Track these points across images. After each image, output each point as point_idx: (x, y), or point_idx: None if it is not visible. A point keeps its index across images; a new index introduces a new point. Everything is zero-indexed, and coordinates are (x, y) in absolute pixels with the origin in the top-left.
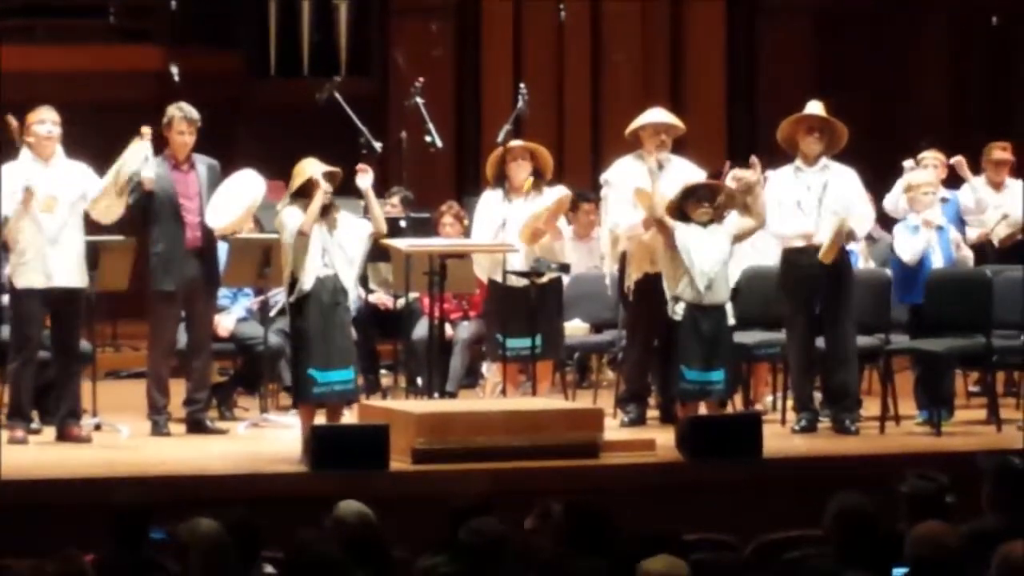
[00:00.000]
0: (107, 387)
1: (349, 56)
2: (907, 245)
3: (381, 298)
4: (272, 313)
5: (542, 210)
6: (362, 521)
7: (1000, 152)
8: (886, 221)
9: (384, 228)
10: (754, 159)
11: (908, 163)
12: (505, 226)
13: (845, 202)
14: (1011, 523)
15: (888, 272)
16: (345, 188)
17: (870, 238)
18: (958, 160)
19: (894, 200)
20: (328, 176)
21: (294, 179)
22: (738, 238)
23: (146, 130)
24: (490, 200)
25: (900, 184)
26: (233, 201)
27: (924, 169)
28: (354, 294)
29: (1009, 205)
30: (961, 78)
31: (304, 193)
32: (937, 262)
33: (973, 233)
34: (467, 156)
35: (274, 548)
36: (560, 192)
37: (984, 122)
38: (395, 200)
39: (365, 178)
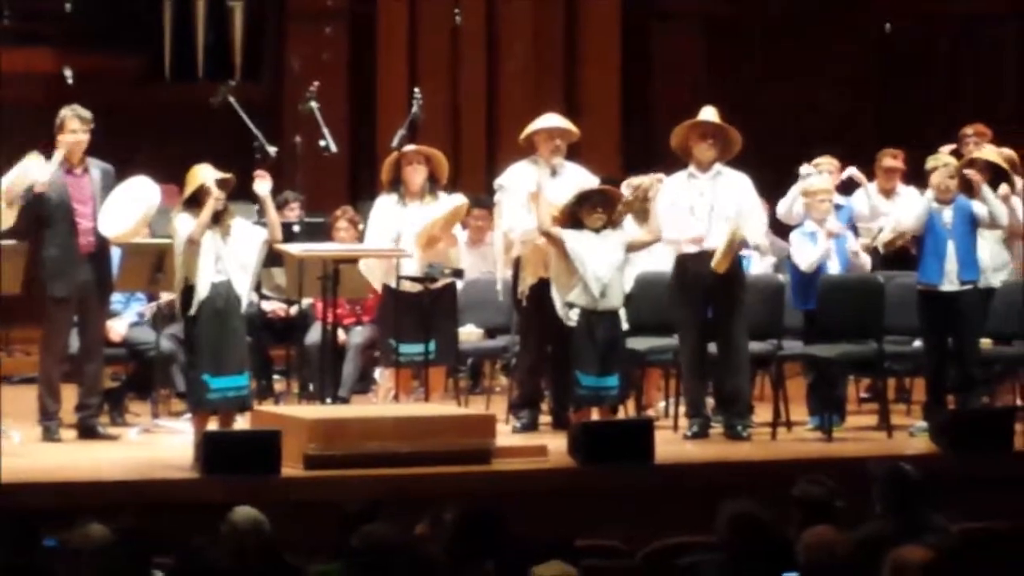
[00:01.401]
0: None
1: (244, 60)
2: (805, 253)
3: (274, 306)
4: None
5: (439, 217)
6: (255, 527)
7: (891, 159)
8: (779, 228)
9: (279, 235)
10: (660, 175)
11: (804, 168)
12: (400, 231)
13: (738, 208)
14: (901, 528)
15: (781, 278)
16: (240, 192)
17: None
18: (852, 171)
19: (787, 206)
20: (221, 182)
21: (187, 186)
22: (632, 248)
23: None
24: (385, 205)
25: (793, 190)
26: (128, 209)
27: (819, 175)
28: (248, 300)
29: (900, 212)
30: (855, 85)
31: (197, 200)
32: (834, 269)
33: (863, 240)
34: (362, 161)
35: (166, 555)
36: (457, 200)
37: (878, 129)
38: (294, 204)
39: (263, 184)
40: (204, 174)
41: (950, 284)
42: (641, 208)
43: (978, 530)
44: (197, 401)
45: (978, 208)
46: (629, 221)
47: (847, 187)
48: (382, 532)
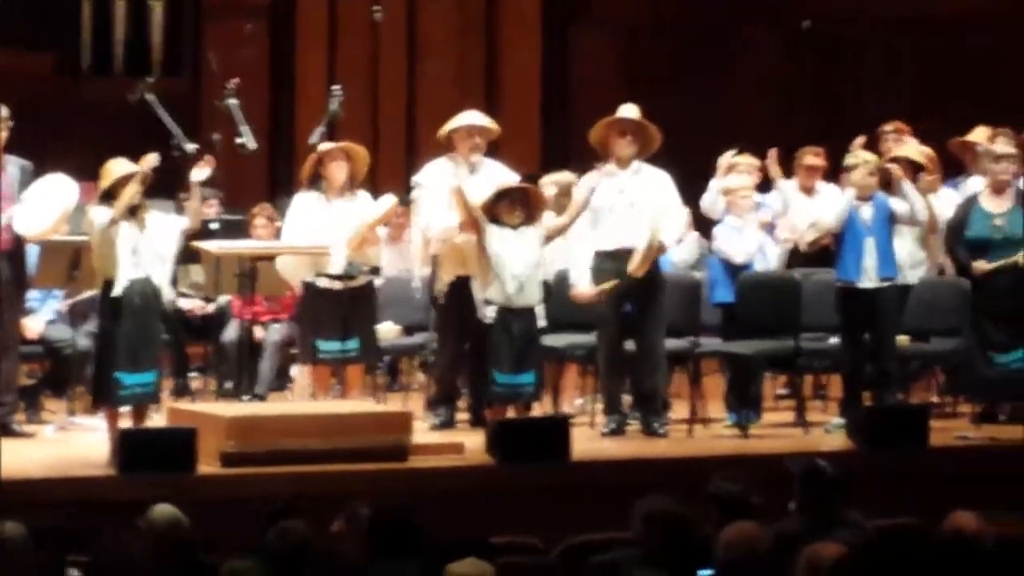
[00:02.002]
0: None
1: (162, 56)
2: (739, 247)
3: (192, 304)
4: None
5: (373, 220)
6: (172, 525)
7: (812, 158)
8: (702, 223)
9: (197, 223)
10: (600, 165)
11: (724, 158)
12: (320, 228)
13: (657, 206)
14: (816, 525)
15: (697, 276)
16: (156, 189)
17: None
18: (770, 157)
19: (710, 201)
20: (137, 176)
21: (102, 180)
22: (550, 234)
23: None
24: (304, 202)
25: (715, 185)
26: (45, 207)
27: (739, 174)
28: (167, 295)
29: (820, 210)
30: (777, 83)
31: (112, 195)
32: (763, 263)
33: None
34: (281, 158)
35: (81, 552)
36: (389, 201)
37: (800, 128)
38: (212, 201)
39: (201, 172)
40: (120, 168)
41: (868, 281)
42: (560, 205)
43: (893, 526)
44: (106, 398)
45: (897, 205)
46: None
47: (764, 186)
48: (298, 529)
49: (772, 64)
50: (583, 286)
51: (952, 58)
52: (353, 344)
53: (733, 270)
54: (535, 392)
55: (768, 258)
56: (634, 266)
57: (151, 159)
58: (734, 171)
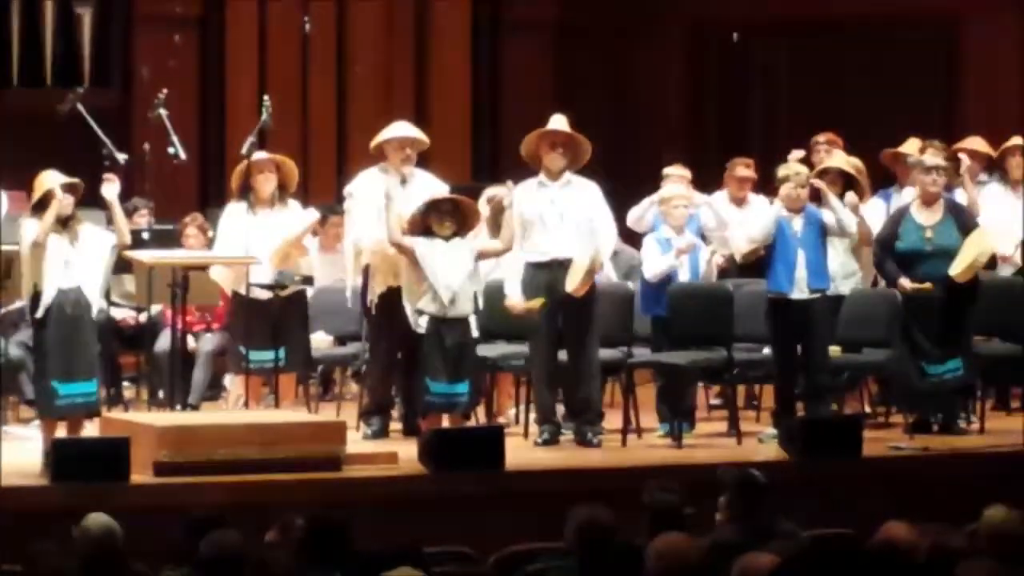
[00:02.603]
0: None
1: (92, 67)
2: (652, 263)
3: (124, 314)
4: None
5: (293, 237)
6: (104, 534)
7: (743, 168)
8: (630, 235)
9: (128, 239)
10: (509, 183)
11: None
12: (250, 238)
13: (589, 219)
14: (749, 535)
15: (631, 286)
16: (89, 199)
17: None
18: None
19: (639, 214)
20: (68, 188)
21: (34, 192)
22: (483, 256)
23: None
24: (234, 212)
25: (647, 199)
26: None
27: (673, 184)
28: (98, 305)
29: (751, 221)
30: (701, 94)
31: (44, 206)
32: (682, 276)
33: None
34: (211, 168)
35: (12, 562)
36: (310, 217)
37: (723, 138)
38: (143, 211)
39: (111, 188)
40: (51, 180)
41: (799, 292)
42: (495, 219)
43: (826, 536)
44: (45, 408)
45: (827, 217)
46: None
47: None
48: (230, 539)
49: (693, 73)
50: (516, 297)
51: (855, 71)
52: (283, 354)
53: (660, 282)
54: (470, 402)
55: (687, 275)
56: (573, 286)
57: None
58: (667, 181)
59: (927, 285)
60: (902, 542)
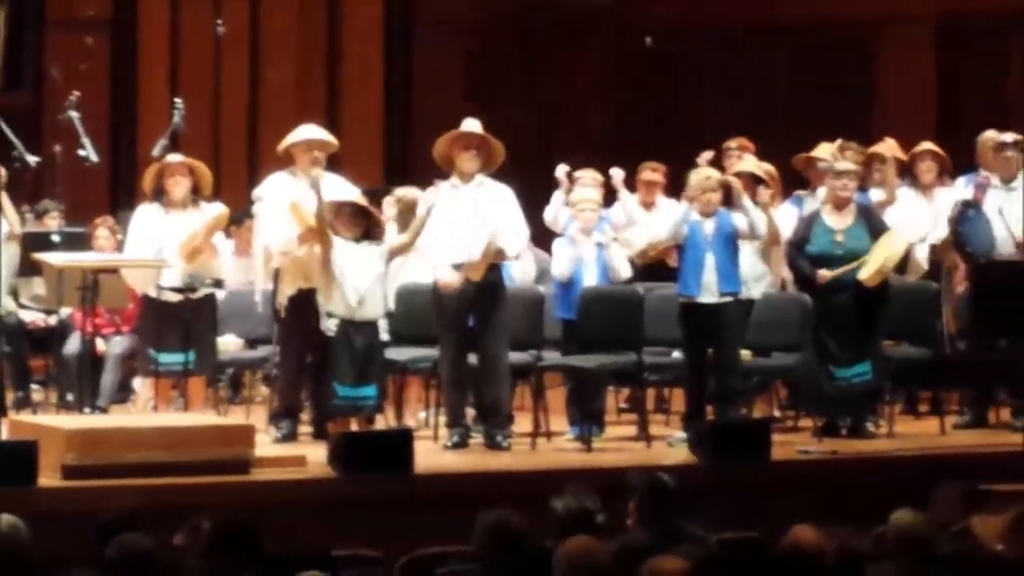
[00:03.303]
0: None
1: (3, 69)
2: (557, 263)
3: (33, 316)
4: None
5: (199, 229)
6: (13, 537)
7: (651, 173)
8: (545, 236)
9: (18, 227)
10: (438, 182)
11: (560, 169)
12: (162, 241)
13: (500, 219)
14: (658, 538)
15: (541, 289)
16: None
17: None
18: (616, 173)
19: (553, 213)
20: None
21: None
22: (392, 253)
23: None
24: (145, 214)
25: (557, 197)
26: None
27: (584, 187)
28: (7, 304)
29: (658, 224)
30: (617, 97)
31: None
32: (591, 280)
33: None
34: (123, 170)
35: None
36: (216, 209)
37: (640, 142)
38: (54, 214)
39: None
40: None
41: (709, 296)
42: (404, 222)
43: (735, 540)
44: None
45: (738, 220)
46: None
47: (607, 198)
48: (139, 542)
49: (608, 77)
50: (447, 276)
51: (771, 76)
52: (193, 357)
53: (568, 285)
54: (376, 405)
55: (595, 276)
56: (472, 270)
57: None
58: (578, 184)
59: (851, 265)
60: (809, 545)
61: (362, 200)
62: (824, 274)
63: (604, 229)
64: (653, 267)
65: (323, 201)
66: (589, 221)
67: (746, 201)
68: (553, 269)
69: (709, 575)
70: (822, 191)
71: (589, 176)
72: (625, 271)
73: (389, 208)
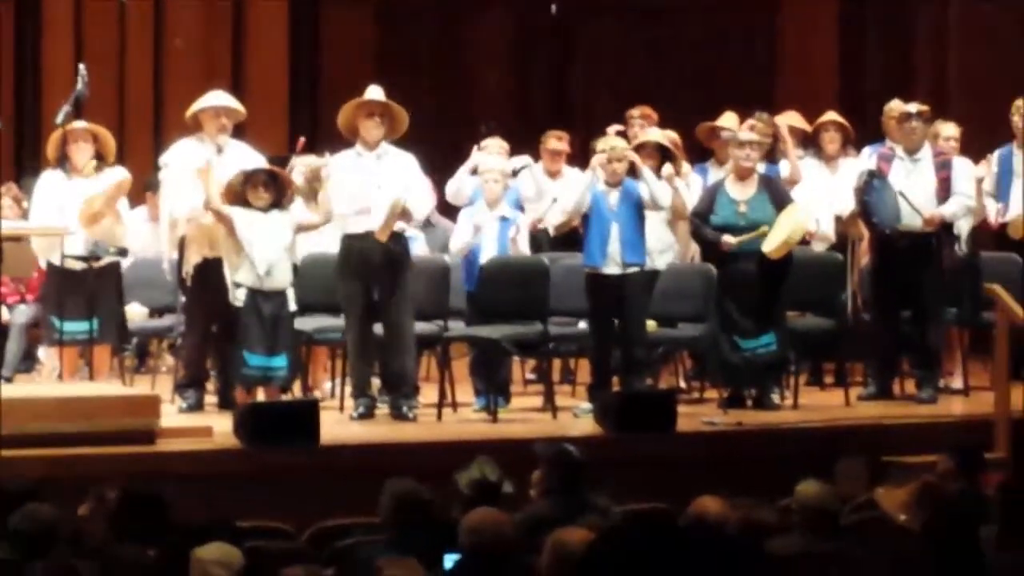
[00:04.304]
0: None
1: None
2: (455, 238)
3: None
4: None
5: (99, 194)
6: None
7: (556, 141)
8: (448, 208)
9: None
10: (327, 154)
11: (485, 142)
12: (65, 208)
13: (404, 187)
14: (564, 509)
15: (446, 259)
16: None
17: (429, 224)
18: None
19: (455, 187)
20: None
21: None
22: (301, 229)
23: None
24: (49, 181)
25: (462, 170)
26: None
27: (490, 155)
28: None
29: (563, 193)
30: (522, 67)
31: None
32: (489, 252)
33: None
34: (26, 137)
35: None
36: (118, 175)
37: (545, 111)
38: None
39: None
40: None
41: (614, 267)
42: (311, 189)
43: (640, 510)
44: None
45: (642, 190)
46: (299, 202)
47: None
48: (42, 512)
49: (513, 46)
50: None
51: (675, 46)
52: (97, 325)
53: (471, 256)
54: (288, 375)
55: (493, 250)
56: (379, 230)
57: None
58: (484, 152)
59: (756, 232)
60: (714, 516)
61: (274, 167)
62: (728, 240)
63: (514, 201)
64: (565, 235)
65: (210, 187)
66: (495, 193)
67: (646, 172)
68: (451, 242)
69: (612, 546)
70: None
71: (495, 144)
72: (525, 250)
73: (297, 175)
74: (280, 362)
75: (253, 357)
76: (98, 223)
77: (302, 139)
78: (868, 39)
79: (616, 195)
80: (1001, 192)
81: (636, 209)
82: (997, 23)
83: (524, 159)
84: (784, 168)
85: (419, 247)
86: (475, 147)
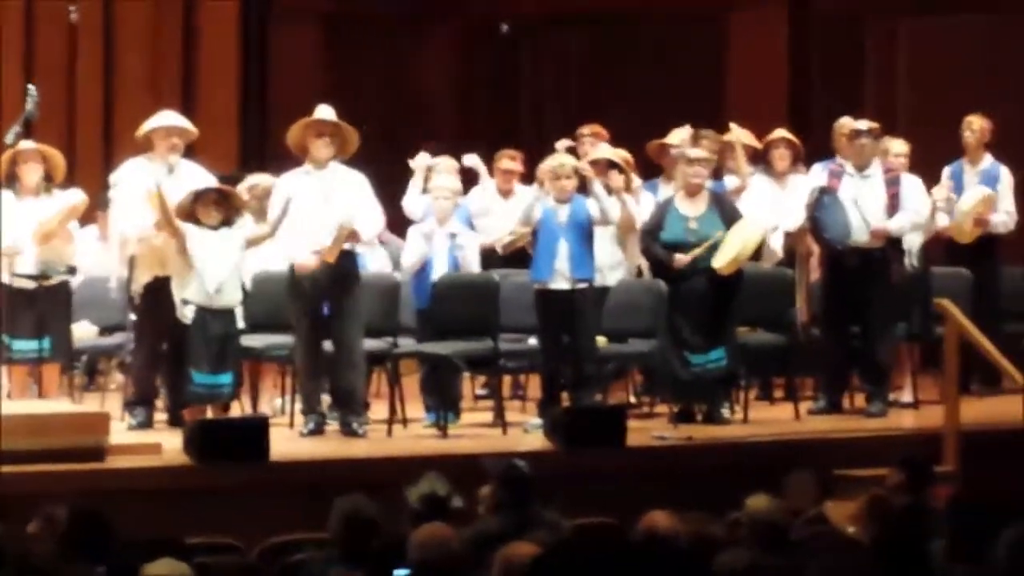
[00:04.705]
0: None
1: None
2: (406, 254)
3: None
4: None
5: (55, 215)
6: None
7: (508, 161)
8: (404, 224)
9: None
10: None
11: (419, 160)
12: (15, 228)
13: (354, 205)
14: (514, 525)
15: (397, 276)
16: None
17: (380, 243)
18: (469, 159)
19: (412, 202)
20: None
21: None
22: (251, 243)
23: None
24: None
25: (414, 186)
26: None
27: (439, 175)
28: None
29: (514, 213)
30: (470, 84)
31: None
32: (440, 269)
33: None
34: None
35: None
36: (75, 198)
37: (494, 128)
38: None
39: None
40: None
41: (563, 282)
42: (260, 207)
43: (590, 525)
44: None
45: (592, 207)
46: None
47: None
48: None
49: (463, 64)
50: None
51: (623, 62)
52: (47, 344)
53: (421, 274)
54: (232, 392)
55: (444, 266)
56: (325, 252)
57: None
58: (435, 171)
59: (705, 245)
60: (664, 531)
61: (224, 186)
62: (681, 258)
63: (464, 217)
64: (513, 253)
65: (166, 199)
66: (445, 210)
67: (597, 187)
68: (403, 259)
69: (560, 561)
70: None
71: (445, 163)
72: (476, 268)
73: (243, 195)
74: (225, 379)
75: (199, 375)
76: (50, 241)
77: None
78: (816, 56)
79: (565, 211)
80: (954, 208)
81: (585, 225)
82: (946, 41)
83: (473, 158)
84: (729, 182)
85: (379, 261)
86: (414, 164)
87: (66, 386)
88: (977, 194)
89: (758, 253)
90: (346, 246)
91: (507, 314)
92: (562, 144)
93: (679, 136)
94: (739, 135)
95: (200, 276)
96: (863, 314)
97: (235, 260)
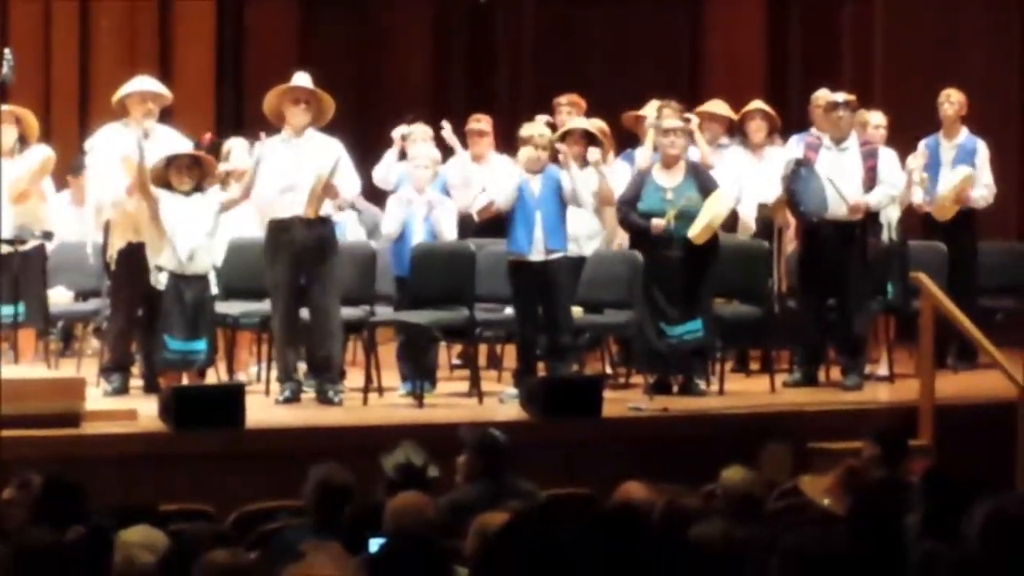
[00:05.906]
0: None
1: None
2: (386, 222)
3: None
4: None
5: (25, 173)
6: None
7: (475, 123)
8: (381, 193)
9: None
10: (263, 135)
11: (398, 130)
12: None
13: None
14: (489, 494)
15: (373, 244)
16: None
17: (355, 209)
18: (445, 126)
19: (383, 172)
20: None
21: None
22: (225, 207)
23: None
24: None
25: (389, 156)
26: None
27: (415, 143)
28: None
29: (489, 179)
30: (445, 54)
31: None
32: (419, 236)
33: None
34: None
35: None
36: (42, 152)
37: (468, 98)
38: None
39: None
40: None
41: (538, 254)
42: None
43: (565, 495)
44: None
45: (565, 182)
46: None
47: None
48: None
49: (431, 37)
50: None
51: (600, 34)
52: (22, 309)
53: (400, 242)
54: (207, 359)
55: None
56: (304, 208)
57: None
58: (410, 139)
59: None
60: (639, 502)
61: (198, 151)
62: (658, 223)
63: (441, 186)
64: (489, 221)
65: (144, 163)
66: (423, 179)
67: (574, 170)
68: (383, 227)
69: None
70: (640, 150)
71: (420, 130)
72: (451, 235)
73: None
74: (199, 346)
75: (173, 341)
76: (26, 200)
77: (208, 135)
78: (794, 28)
79: (539, 182)
80: (929, 183)
81: (559, 196)
82: (921, 13)
83: (447, 132)
84: (694, 154)
85: (353, 230)
86: (395, 133)
87: (42, 351)
88: (956, 177)
89: (733, 225)
90: (323, 213)
91: (483, 284)
92: (541, 118)
93: (654, 107)
94: (714, 108)
95: (172, 242)
96: (839, 287)
97: (208, 226)
